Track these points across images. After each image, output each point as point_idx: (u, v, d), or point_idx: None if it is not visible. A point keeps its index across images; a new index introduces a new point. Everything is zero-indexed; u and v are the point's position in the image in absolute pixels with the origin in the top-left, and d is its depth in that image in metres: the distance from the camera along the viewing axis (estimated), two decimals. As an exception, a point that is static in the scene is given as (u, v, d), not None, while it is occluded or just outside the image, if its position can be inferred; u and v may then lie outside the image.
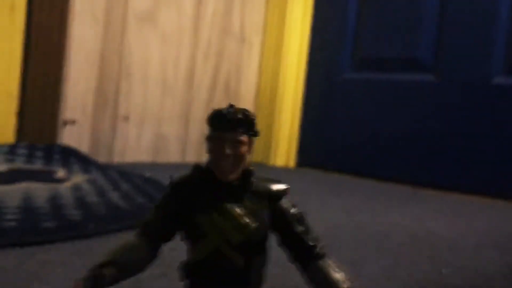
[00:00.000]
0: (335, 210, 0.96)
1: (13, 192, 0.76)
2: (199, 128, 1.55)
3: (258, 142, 1.28)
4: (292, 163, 1.71)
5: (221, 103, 1.51)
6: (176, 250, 0.57)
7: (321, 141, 1.66)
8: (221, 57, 1.59)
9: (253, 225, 0.27)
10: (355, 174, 1.56)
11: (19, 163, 1.06)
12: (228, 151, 0.27)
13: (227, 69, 1.61)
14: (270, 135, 1.66)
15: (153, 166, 1.37)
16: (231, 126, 0.27)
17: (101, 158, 1.31)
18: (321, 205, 1.01)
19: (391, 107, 1.50)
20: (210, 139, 0.27)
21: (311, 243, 0.29)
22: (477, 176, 1.33)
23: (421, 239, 0.77)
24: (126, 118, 1.37)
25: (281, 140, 1.68)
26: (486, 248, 0.75)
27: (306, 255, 0.29)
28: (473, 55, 1.35)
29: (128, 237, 0.30)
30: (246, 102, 1.65)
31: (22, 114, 1.17)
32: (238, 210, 0.27)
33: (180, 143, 1.52)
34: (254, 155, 1.66)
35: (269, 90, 1.69)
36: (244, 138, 0.27)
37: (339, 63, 1.63)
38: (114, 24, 1.31)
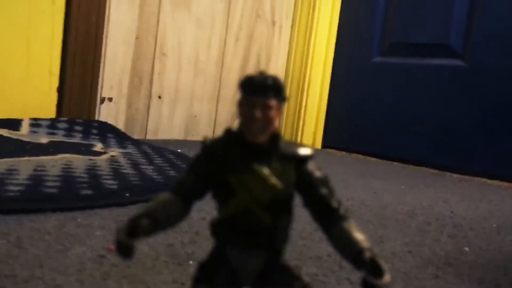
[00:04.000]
0: (360, 190, 0.96)
1: (54, 162, 0.78)
2: (229, 108, 1.57)
3: (286, 123, 1.30)
4: (318, 144, 1.72)
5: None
6: (205, 219, 0.60)
7: (347, 123, 1.66)
8: (252, 40, 1.60)
9: (280, 185, 0.27)
10: (380, 157, 1.56)
11: (60, 136, 1.10)
12: (257, 114, 0.27)
13: (257, 52, 1.62)
14: (298, 117, 1.67)
15: (184, 143, 1.39)
16: (261, 91, 0.28)
17: (135, 135, 1.35)
18: (346, 185, 1.01)
19: (418, 91, 1.49)
20: (241, 103, 0.28)
21: (334, 205, 0.29)
22: (503, 161, 1.31)
23: (444, 219, 0.77)
24: (159, 97, 1.41)
25: (308, 122, 1.68)
26: (507, 229, 0.74)
27: (329, 216, 0.29)
28: (503, 42, 1.33)
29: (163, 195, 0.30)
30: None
31: (62, 91, 1.20)
32: (266, 170, 0.27)
33: (210, 122, 1.54)
34: (283, 136, 1.67)
35: (298, 72, 1.69)
36: (273, 102, 0.28)
37: (368, 47, 1.62)
38: (149, 6, 1.33)
